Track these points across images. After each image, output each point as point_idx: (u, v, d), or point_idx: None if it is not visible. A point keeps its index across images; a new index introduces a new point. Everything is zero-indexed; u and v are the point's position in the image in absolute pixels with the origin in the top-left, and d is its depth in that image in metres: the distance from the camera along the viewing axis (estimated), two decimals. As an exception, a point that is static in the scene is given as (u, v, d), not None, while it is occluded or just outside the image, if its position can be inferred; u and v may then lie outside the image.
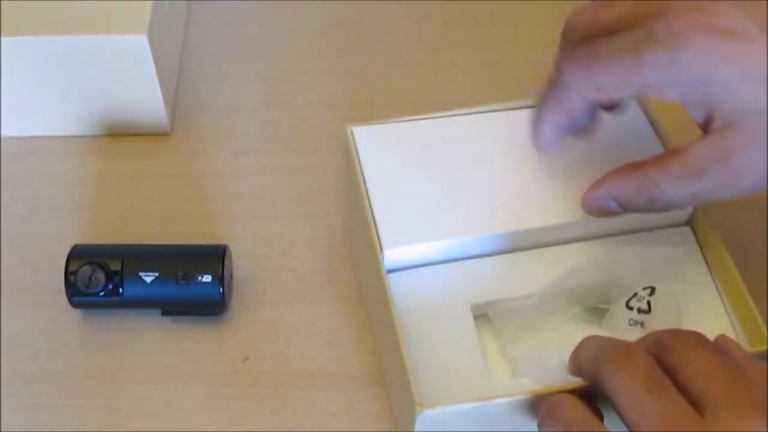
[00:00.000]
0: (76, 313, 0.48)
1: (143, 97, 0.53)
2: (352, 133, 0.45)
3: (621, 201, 0.39)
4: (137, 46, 0.50)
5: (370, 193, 0.43)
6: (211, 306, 0.46)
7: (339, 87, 0.59)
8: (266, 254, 0.51)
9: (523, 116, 0.44)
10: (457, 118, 0.46)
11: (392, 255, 0.41)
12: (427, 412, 0.36)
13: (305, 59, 0.60)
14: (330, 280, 0.50)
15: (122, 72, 0.52)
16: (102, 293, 0.45)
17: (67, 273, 0.46)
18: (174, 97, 0.58)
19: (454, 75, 0.59)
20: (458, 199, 0.43)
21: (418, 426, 0.37)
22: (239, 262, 0.50)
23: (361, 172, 0.43)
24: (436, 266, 0.43)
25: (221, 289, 0.46)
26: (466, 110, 0.46)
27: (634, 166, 0.39)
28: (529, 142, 0.42)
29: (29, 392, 0.46)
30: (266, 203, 0.53)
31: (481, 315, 0.43)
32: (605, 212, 0.40)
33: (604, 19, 0.38)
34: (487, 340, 0.42)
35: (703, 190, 0.37)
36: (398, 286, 0.42)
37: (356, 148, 0.44)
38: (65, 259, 0.46)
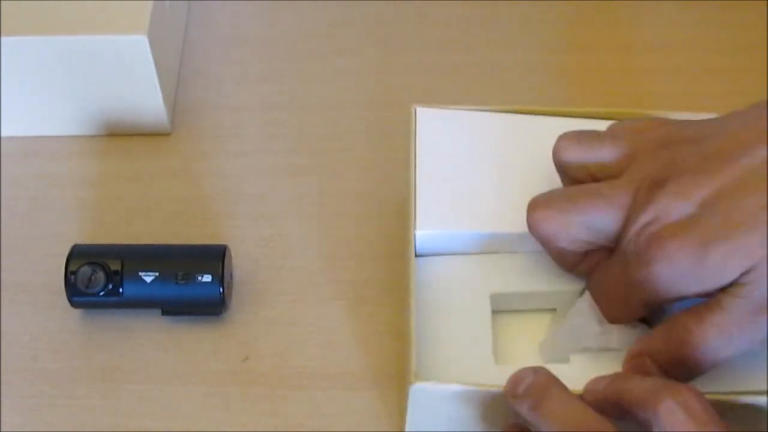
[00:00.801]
0: (76, 313, 0.48)
1: (143, 97, 0.53)
2: (415, 111, 0.46)
3: (654, 356, 0.38)
4: (137, 46, 0.50)
5: (417, 173, 0.44)
6: (211, 306, 0.46)
7: (339, 87, 0.59)
8: (266, 254, 0.51)
9: (586, 125, 0.44)
10: (523, 116, 0.46)
11: (424, 237, 0.42)
12: (419, 384, 0.36)
13: (305, 59, 0.60)
14: (330, 280, 0.50)
15: (122, 72, 0.52)
16: (102, 293, 0.45)
17: (67, 273, 0.46)
18: (174, 97, 0.58)
19: (455, 76, 0.59)
20: (502, 195, 0.43)
21: (411, 400, 0.37)
22: (239, 262, 0.50)
23: (415, 152, 0.44)
24: (465, 256, 0.43)
25: (221, 289, 0.46)
26: (530, 109, 0.46)
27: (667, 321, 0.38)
28: None
29: (29, 392, 0.46)
30: (266, 203, 0.53)
31: (502, 311, 0.43)
32: (641, 370, 0.38)
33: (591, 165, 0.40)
34: (505, 335, 0.43)
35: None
36: (425, 270, 0.42)
37: (416, 127, 0.45)
38: (65, 259, 0.46)
